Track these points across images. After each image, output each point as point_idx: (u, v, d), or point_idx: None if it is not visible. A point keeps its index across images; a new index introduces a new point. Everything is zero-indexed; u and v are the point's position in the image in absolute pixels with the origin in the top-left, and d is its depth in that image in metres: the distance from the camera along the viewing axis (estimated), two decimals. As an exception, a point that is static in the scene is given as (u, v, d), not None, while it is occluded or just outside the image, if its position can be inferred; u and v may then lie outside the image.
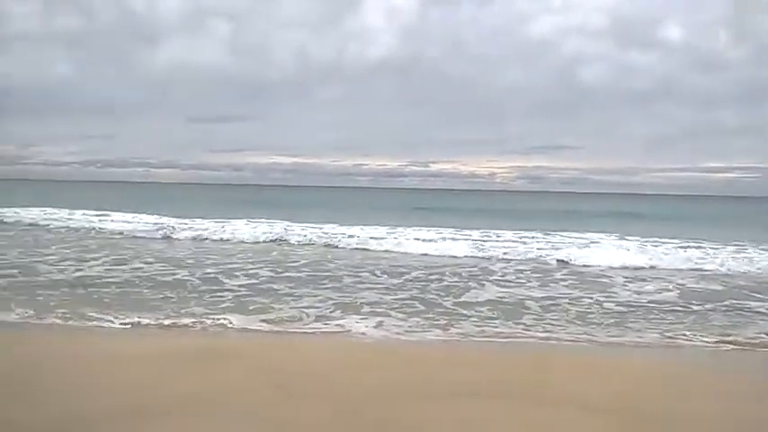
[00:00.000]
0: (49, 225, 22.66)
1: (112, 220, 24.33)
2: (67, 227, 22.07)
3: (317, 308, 8.90)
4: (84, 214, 26.28)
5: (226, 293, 9.87)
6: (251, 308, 8.81)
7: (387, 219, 28.30)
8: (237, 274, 11.90)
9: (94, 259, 13.55)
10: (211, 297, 9.52)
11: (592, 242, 19.37)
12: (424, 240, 18.74)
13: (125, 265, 12.81)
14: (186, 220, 23.10)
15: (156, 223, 22.74)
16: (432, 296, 10.15)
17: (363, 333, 7.54)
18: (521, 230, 22.48)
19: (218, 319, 7.91)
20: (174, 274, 11.61)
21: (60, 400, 4.49)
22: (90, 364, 5.63)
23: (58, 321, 7.63)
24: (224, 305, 8.95)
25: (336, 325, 7.93)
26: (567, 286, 11.50)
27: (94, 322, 7.65)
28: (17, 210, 26.89)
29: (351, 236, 19.14)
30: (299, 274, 12.15)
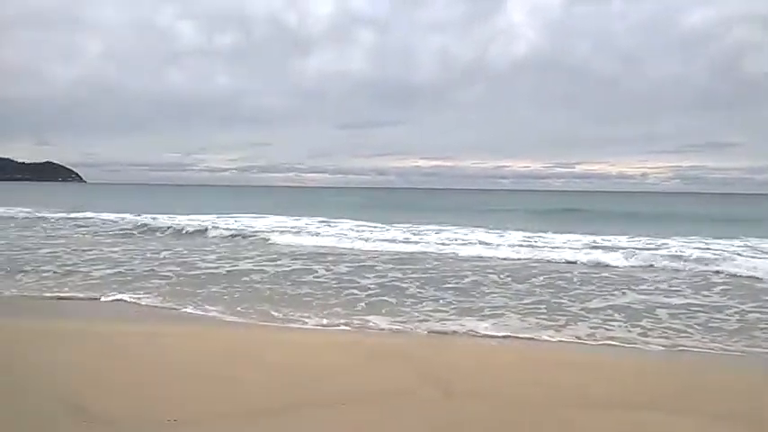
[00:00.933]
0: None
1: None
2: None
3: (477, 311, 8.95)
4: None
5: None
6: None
7: (535, 222, 27.32)
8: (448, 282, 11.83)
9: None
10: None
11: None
12: (573, 248, 17.59)
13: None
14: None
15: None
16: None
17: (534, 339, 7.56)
18: (679, 236, 21.15)
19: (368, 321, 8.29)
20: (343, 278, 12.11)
21: (246, 392, 4.94)
22: (270, 357, 6.11)
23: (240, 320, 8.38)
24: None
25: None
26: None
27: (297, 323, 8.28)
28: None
29: (509, 244, 18.25)
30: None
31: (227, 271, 12.60)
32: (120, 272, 12.20)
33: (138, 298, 9.56)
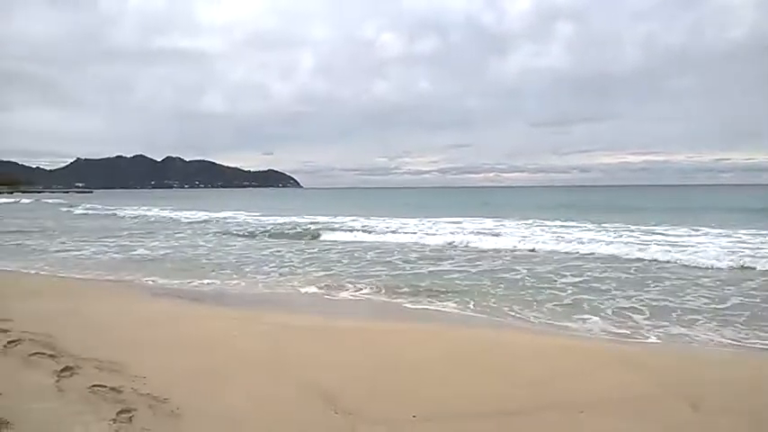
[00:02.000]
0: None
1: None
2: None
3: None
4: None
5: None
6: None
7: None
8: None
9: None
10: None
11: None
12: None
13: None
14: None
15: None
16: None
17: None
18: None
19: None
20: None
21: (478, 393, 5.06)
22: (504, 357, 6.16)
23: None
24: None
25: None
26: None
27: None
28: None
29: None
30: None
31: (430, 272, 12.83)
32: (335, 273, 12.96)
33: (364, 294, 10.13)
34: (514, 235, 20.46)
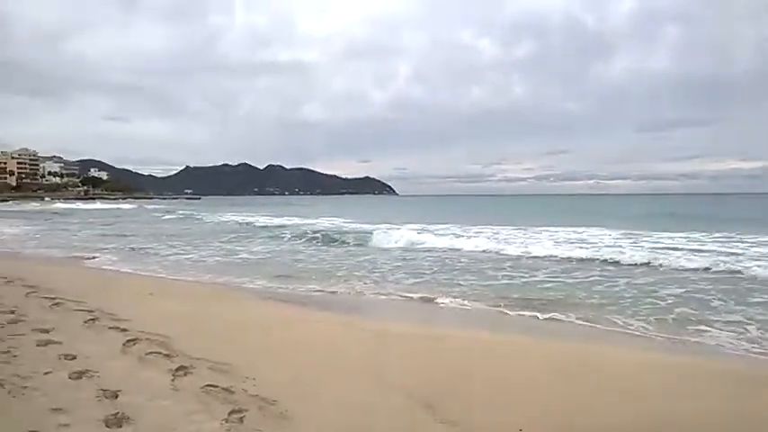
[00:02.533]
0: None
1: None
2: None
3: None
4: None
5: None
6: None
7: None
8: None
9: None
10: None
11: None
12: None
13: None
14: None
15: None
16: None
17: None
18: None
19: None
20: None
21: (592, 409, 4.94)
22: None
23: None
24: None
25: None
26: None
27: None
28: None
29: None
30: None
31: (524, 282, 12.58)
32: (425, 280, 12.94)
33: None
34: (613, 245, 19.65)
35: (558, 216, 44.45)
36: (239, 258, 17.25)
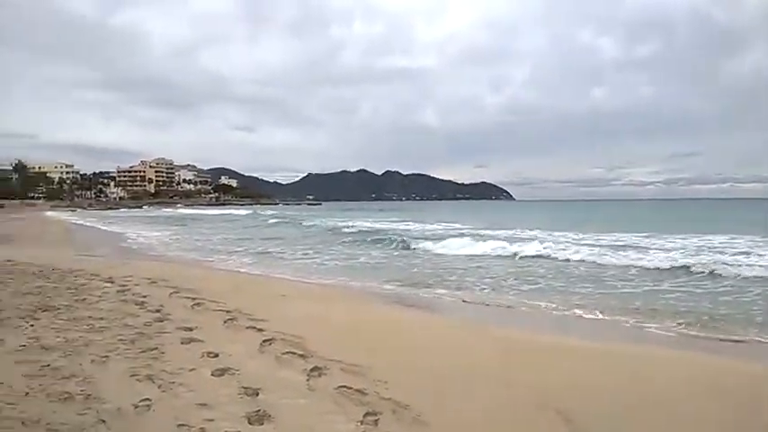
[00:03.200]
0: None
1: None
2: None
3: None
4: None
5: None
6: None
7: None
8: None
9: None
10: None
11: None
12: None
13: None
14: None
15: None
16: None
17: None
18: None
19: None
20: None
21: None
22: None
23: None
24: None
25: None
26: None
27: None
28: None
29: None
30: None
31: (646, 291, 11.83)
32: (541, 287, 12.54)
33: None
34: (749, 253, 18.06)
35: (691, 222, 41.68)
36: (359, 262, 17.56)
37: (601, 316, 9.38)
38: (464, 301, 10.76)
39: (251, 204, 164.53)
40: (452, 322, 8.49)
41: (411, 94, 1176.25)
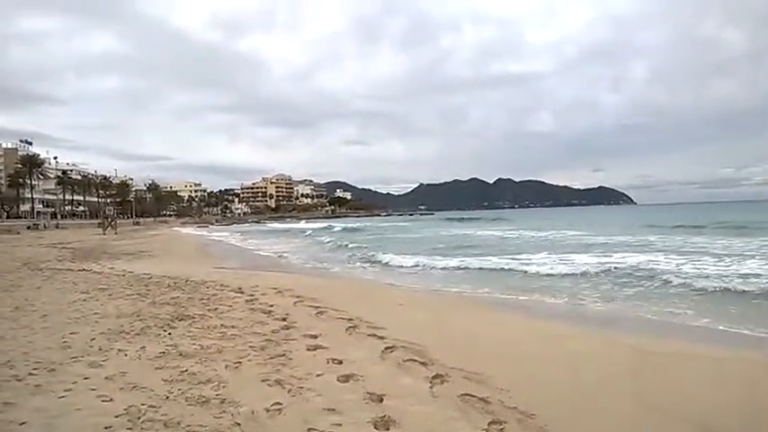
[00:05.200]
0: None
1: None
2: None
3: None
4: None
5: None
6: None
7: None
8: None
9: None
10: None
11: None
12: None
13: None
14: None
15: None
16: None
17: None
18: None
19: None
20: None
21: None
22: None
23: None
24: None
25: None
26: None
27: None
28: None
29: None
30: None
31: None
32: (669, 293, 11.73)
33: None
34: None
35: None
36: (474, 268, 17.35)
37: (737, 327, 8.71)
38: (581, 309, 10.37)
39: (366, 216, 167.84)
40: (574, 331, 8.18)
41: (523, 98, 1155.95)
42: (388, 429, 4.19)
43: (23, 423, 4.19)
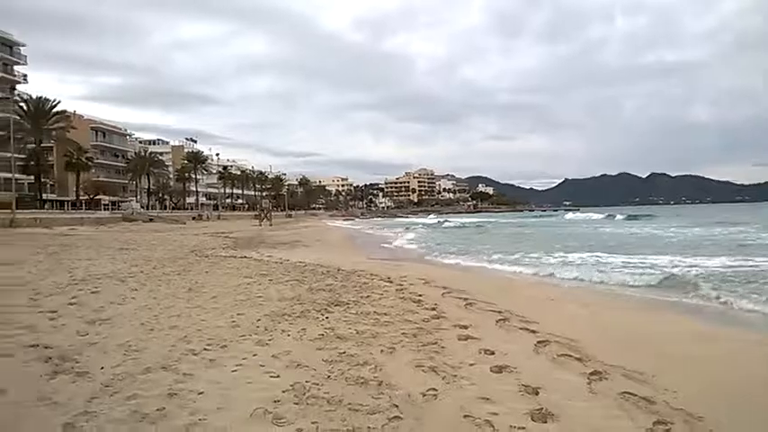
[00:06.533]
0: None
1: None
2: None
3: None
4: None
5: None
6: None
7: None
8: None
9: None
10: None
11: None
12: None
13: None
14: None
15: None
16: None
17: None
18: None
19: None
20: None
21: None
22: None
23: None
24: None
25: None
26: None
27: None
28: None
29: None
30: None
31: None
32: None
33: None
34: None
35: None
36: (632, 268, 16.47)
37: None
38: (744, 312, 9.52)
39: (509, 211, 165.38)
40: (735, 333, 7.53)
41: (679, 89, 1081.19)
42: (545, 422, 4.13)
43: (201, 393, 4.58)
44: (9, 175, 50.72)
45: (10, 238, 24.56)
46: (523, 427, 4.02)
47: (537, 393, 4.69)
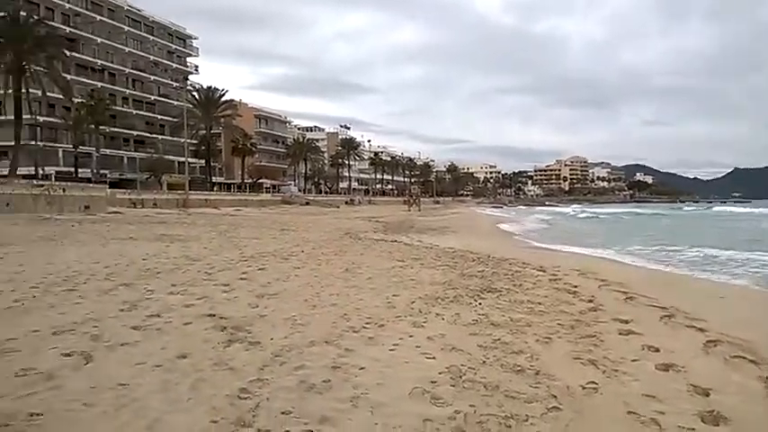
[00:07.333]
0: None
1: None
2: None
3: None
4: None
5: None
6: None
7: None
8: None
9: None
10: None
11: None
12: None
13: None
14: None
15: None
16: None
17: None
18: None
19: None
20: None
21: None
22: None
23: None
24: None
25: None
26: None
27: None
28: None
29: None
30: None
31: None
32: None
33: None
34: None
35: None
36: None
37: None
38: None
39: (670, 202, 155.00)
40: None
41: None
42: (717, 425, 3.90)
43: (362, 368, 4.80)
44: (183, 159, 55.70)
45: (188, 218, 26.98)
46: (693, 429, 3.82)
47: (707, 395, 4.42)
